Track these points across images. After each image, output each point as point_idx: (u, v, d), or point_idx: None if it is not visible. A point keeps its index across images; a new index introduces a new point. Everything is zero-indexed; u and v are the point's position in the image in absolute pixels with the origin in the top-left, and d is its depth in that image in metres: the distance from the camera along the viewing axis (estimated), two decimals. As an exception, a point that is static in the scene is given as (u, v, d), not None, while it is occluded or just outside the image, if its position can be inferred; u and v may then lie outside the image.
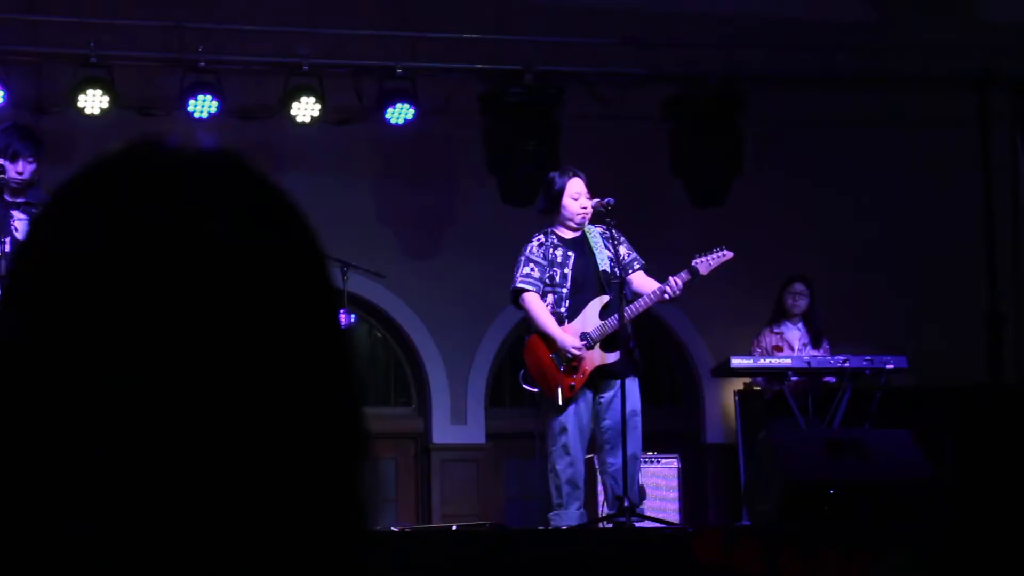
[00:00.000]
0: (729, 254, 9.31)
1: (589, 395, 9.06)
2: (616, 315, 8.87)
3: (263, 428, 1.04)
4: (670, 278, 8.99)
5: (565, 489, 8.99)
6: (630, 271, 9.12)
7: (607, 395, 9.01)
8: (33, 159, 8.94)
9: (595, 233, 9.18)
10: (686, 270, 9.14)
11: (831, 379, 10.93)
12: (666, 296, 8.97)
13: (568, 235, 9.20)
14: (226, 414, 1.03)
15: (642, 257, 9.34)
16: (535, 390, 9.14)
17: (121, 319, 1.03)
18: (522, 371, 9.25)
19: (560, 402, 8.95)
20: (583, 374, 8.99)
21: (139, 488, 1.01)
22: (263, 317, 1.05)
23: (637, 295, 9.04)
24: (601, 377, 9.03)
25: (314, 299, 1.09)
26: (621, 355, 8.86)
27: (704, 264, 9.23)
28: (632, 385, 8.94)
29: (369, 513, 1.09)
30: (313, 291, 1.09)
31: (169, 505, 1.01)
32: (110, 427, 1.01)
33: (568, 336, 8.98)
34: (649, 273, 9.26)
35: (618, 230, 9.21)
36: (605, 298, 9.01)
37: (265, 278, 1.06)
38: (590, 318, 9.05)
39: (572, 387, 8.98)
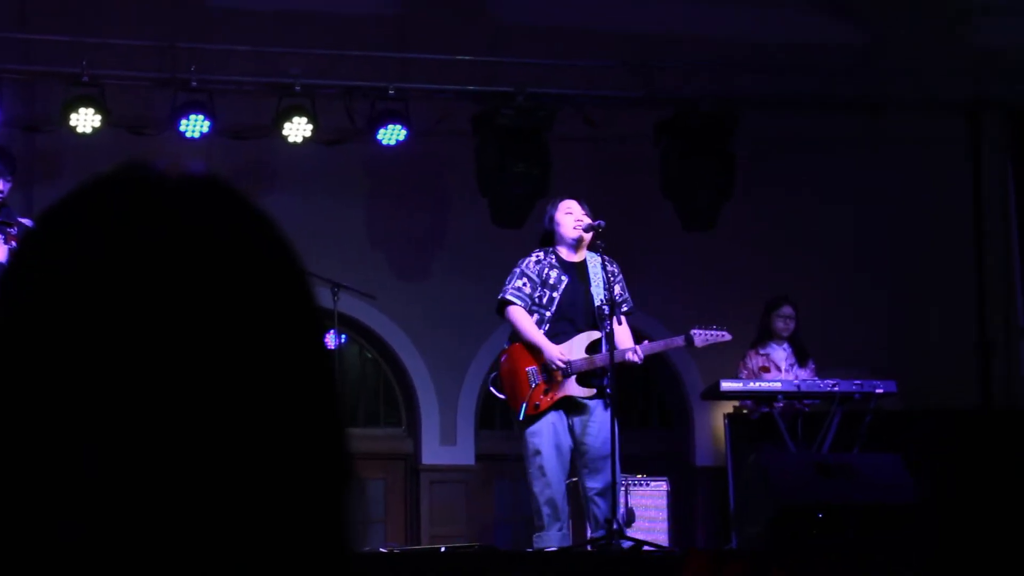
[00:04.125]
0: (727, 336, 9.46)
1: (563, 416, 9.05)
2: (599, 354, 8.89)
3: (245, 448, 1.05)
4: (637, 347, 8.99)
5: (544, 511, 8.98)
6: (617, 312, 9.12)
7: (579, 419, 9.02)
8: (11, 179, 8.96)
9: (596, 264, 9.14)
10: (682, 337, 9.30)
11: (814, 401, 10.94)
12: (629, 359, 8.96)
13: (569, 258, 9.18)
14: (208, 433, 1.04)
15: (632, 278, 9.34)
16: (502, 396, 9.14)
17: (103, 339, 1.04)
18: (494, 374, 9.24)
19: (521, 417, 8.96)
20: (550, 399, 8.98)
21: (125, 500, 1.02)
22: (245, 338, 1.06)
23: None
24: (571, 404, 9.03)
25: (297, 320, 1.10)
26: (594, 392, 8.90)
27: (700, 337, 9.36)
28: (603, 413, 8.94)
29: (353, 534, 1.09)
30: (296, 313, 1.11)
31: (150, 526, 1.02)
32: (95, 448, 1.02)
33: (554, 348, 8.97)
34: (636, 296, 9.28)
35: (618, 265, 9.22)
36: (596, 334, 8.99)
37: (248, 299, 1.08)
38: (576, 348, 9.04)
39: (537, 407, 8.97)
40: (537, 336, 9.02)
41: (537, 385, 8.98)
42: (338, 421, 1.11)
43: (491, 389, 9.24)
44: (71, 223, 1.10)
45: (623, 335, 9.08)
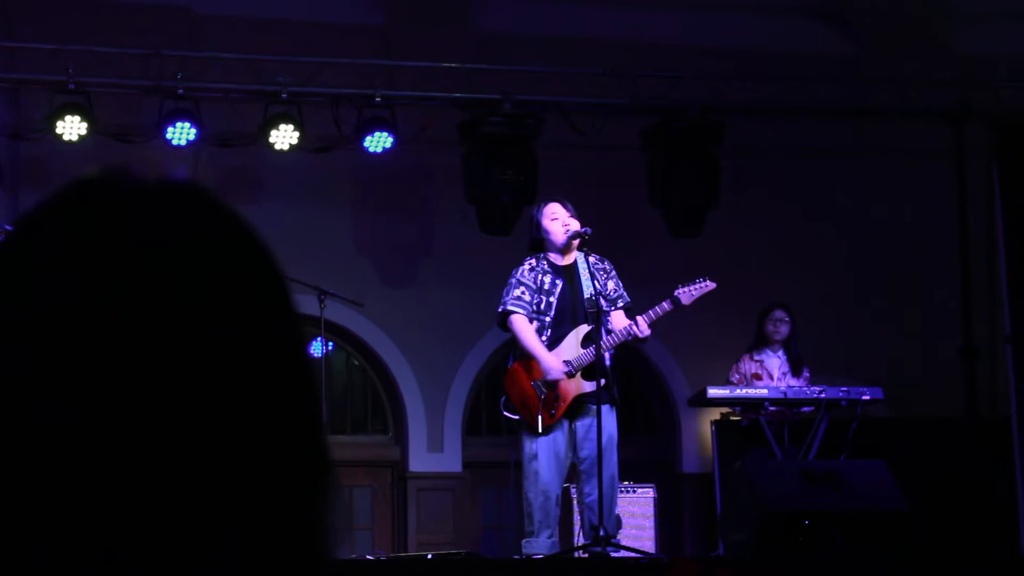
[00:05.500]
0: (711, 284, 9.35)
1: (566, 423, 9.07)
2: (593, 346, 8.89)
3: (222, 453, 1.05)
4: (638, 317, 9.03)
5: (536, 516, 8.98)
6: (613, 307, 9.14)
7: (583, 423, 9.02)
8: None
9: (585, 262, 9.18)
10: (668, 300, 9.20)
11: (808, 408, 10.95)
12: (635, 333, 8.98)
13: (559, 261, 9.21)
14: (184, 439, 1.04)
15: (620, 285, 9.35)
16: (516, 417, 9.14)
17: (81, 342, 1.04)
18: (503, 398, 9.24)
19: (540, 429, 8.96)
20: (564, 402, 9.00)
21: (98, 506, 1.02)
22: (222, 342, 1.07)
23: (611, 332, 9.07)
24: (579, 406, 9.04)
25: (275, 325, 1.11)
26: (598, 385, 8.86)
27: (686, 294, 9.27)
28: (608, 413, 8.95)
29: (330, 540, 1.10)
30: (274, 317, 1.11)
31: (123, 535, 1.02)
32: (70, 450, 1.03)
33: (554, 359, 8.99)
34: (631, 305, 9.28)
35: (611, 262, 9.24)
36: (586, 328, 9.02)
37: (225, 304, 1.08)
38: (571, 346, 9.07)
39: (552, 415, 8.99)
40: (537, 348, 9.07)
41: (547, 395, 8.99)
42: (316, 426, 1.12)
43: (505, 413, 9.23)
44: (49, 227, 1.10)
45: (619, 322, 9.11)
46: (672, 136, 12.23)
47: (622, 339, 9.04)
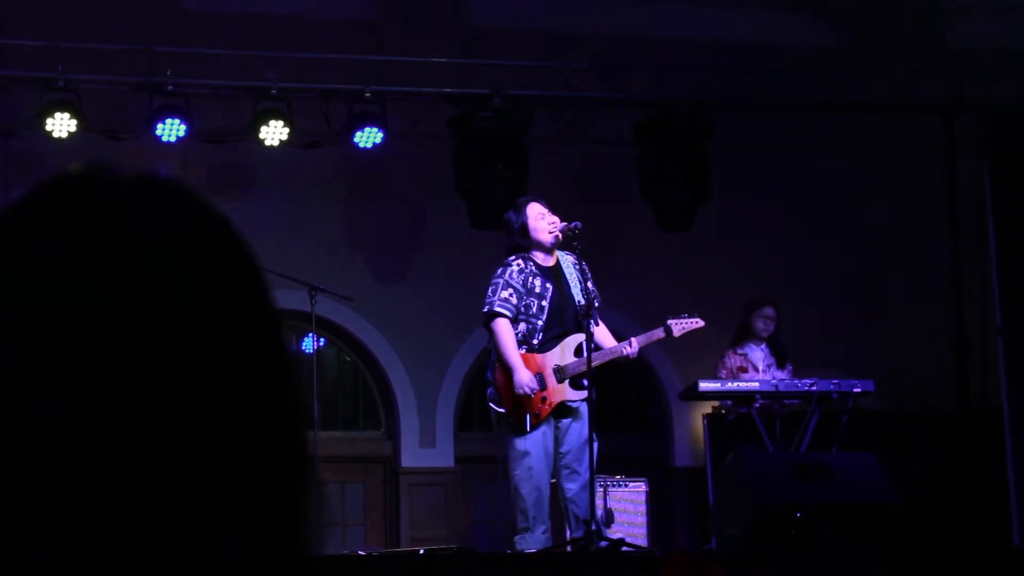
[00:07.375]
0: (701, 323, 9.53)
1: (552, 420, 9.10)
2: (584, 357, 8.91)
3: (222, 452, 1.05)
4: (633, 339, 9.09)
5: (531, 512, 9.00)
6: (594, 311, 9.18)
7: (565, 421, 9.08)
8: None
9: (569, 264, 9.17)
10: (662, 328, 9.30)
11: (793, 401, 10.97)
12: (628, 354, 9.06)
13: (545, 262, 9.18)
14: (185, 438, 1.04)
15: (611, 280, 9.37)
16: (501, 410, 9.14)
17: (76, 346, 1.04)
18: (490, 389, 9.22)
19: (528, 428, 8.98)
20: (549, 405, 9.03)
21: (99, 506, 1.02)
22: (198, 337, 1.06)
23: (602, 349, 9.14)
24: (561, 406, 9.08)
25: (251, 320, 1.10)
26: (590, 389, 8.90)
27: (677, 327, 9.41)
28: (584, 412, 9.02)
29: (311, 537, 1.09)
30: (261, 317, 1.11)
31: (124, 535, 1.02)
32: (70, 450, 1.02)
33: (526, 373, 8.97)
34: (616, 300, 9.32)
35: (586, 263, 9.23)
36: (582, 336, 9.02)
37: (221, 305, 1.08)
38: (567, 352, 9.08)
39: (538, 415, 9.01)
40: (514, 358, 9.01)
41: (535, 394, 9.00)
42: (302, 423, 1.11)
43: (490, 405, 9.23)
44: (41, 224, 1.10)
45: (603, 333, 9.17)
46: (664, 131, 12.23)
47: (612, 357, 9.10)
